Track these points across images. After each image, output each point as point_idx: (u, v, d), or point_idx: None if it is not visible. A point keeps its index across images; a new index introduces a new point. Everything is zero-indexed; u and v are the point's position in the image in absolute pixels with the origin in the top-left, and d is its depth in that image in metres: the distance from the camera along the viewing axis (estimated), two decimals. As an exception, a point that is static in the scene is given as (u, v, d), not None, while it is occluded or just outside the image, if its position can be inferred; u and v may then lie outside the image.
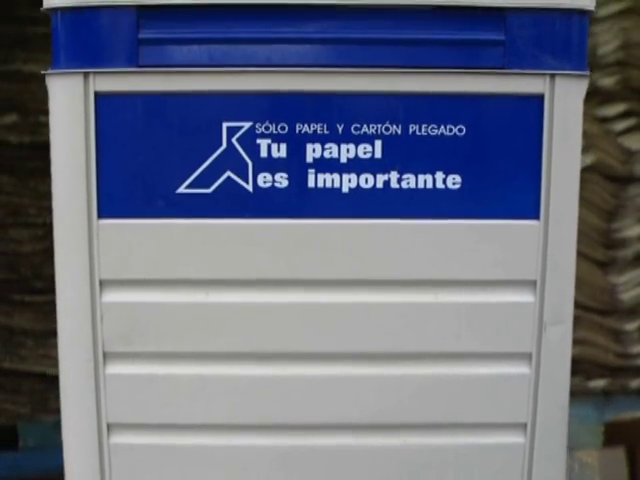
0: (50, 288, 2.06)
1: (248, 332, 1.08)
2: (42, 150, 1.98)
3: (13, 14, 2.04)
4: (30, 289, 2.14)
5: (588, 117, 2.16)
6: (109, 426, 1.09)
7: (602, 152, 2.18)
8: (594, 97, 2.19)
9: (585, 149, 2.11)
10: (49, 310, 2.03)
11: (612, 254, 2.23)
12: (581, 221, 2.13)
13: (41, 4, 1.03)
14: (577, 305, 2.11)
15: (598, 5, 2.16)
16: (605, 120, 2.21)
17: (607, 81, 2.18)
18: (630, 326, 2.23)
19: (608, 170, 2.19)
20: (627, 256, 2.22)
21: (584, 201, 2.13)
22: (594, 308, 2.20)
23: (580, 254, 2.11)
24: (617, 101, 2.20)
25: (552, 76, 1.04)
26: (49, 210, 2.05)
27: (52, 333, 2.05)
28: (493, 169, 1.06)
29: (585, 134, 2.10)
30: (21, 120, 2.08)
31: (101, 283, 1.06)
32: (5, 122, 2.08)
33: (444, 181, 1.06)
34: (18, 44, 2.05)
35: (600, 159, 2.17)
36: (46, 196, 2.03)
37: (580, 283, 2.11)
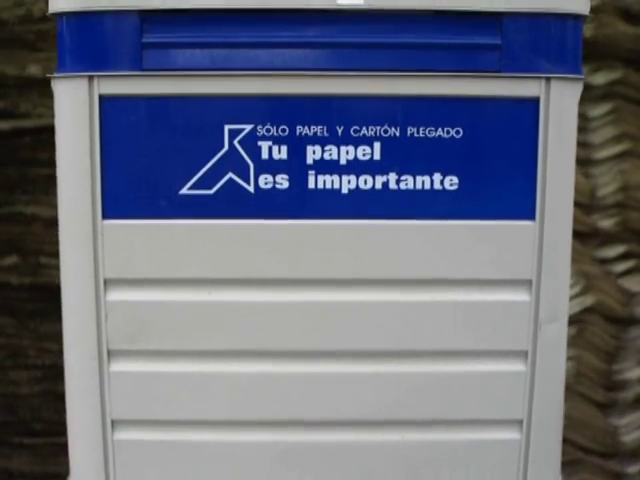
0: (49, 430, 2.08)
1: (250, 330, 1.09)
2: (42, 291, 2.03)
3: (15, 157, 2.06)
4: (29, 431, 2.13)
5: (588, 258, 2.17)
6: (113, 422, 1.11)
7: (602, 293, 2.17)
8: (594, 239, 2.19)
9: (585, 290, 2.13)
10: (48, 453, 2.05)
11: (613, 396, 2.20)
12: (581, 362, 2.11)
13: (43, 151, 1.05)
14: (578, 448, 2.10)
15: (597, 148, 2.18)
16: (605, 261, 2.21)
17: (607, 223, 2.19)
18: (632, 469, 2.19)
19: (608, 311, 2.18)
20: (628, 398, 2.19)
21: (585, 342, 2.13)
22: (595, 451, 2.17)
23: (581, 396, 2.12)
24: (617, 243, 2.20)
25: (547, 79, 1.06)
26: (49, 351, 2.07)
27: (51, 476, 2.07)
28: (490, 170, 1.08)
29: (585, 275, 2.12)
30: (22, 261, 2.08)
31: (105, 282, 1.08)
32: (6, 263, 2.08)
33: (441, 182, 1.08)
34: (19, 186, 2.07)
35: (600, 300, 2.16)
36: (46, 338, 2.07)
37: (581, 425, 2.12)
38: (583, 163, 2.17)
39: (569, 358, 2.10)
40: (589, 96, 2.11)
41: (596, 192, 2.18)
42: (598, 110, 2.16)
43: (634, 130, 2.19)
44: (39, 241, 2.05)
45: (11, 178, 2.07)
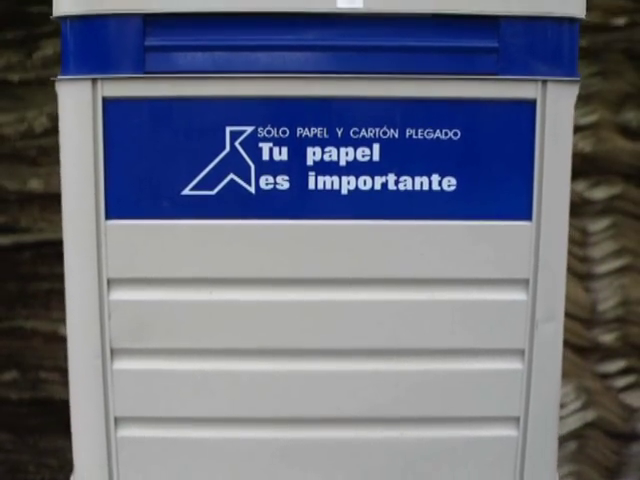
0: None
1: (251, 329, 1.11)
2: (42, 406, 2.00)
3: (15, 271, 2.05)
4: None
5: (589, 373, 2.16)
6: (116, 420, 1.12)
7: (603, 409, 2.16)
8: (594, 353, 2.19)
9: (586, 405, 2.12)
10: None
11: None
12: (582, 478, 2.09)
13: (43, 265, 1.05)
14: None
15: (597, 262, 2.17)
16: (606, 376, 2.21)
17: (607, 337, 2.19)
18: None
19: (609, 427, 2.17)
20: None
21: (585, 457, 2.12)
22: None
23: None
24: (617, 358, 2.21)
25: (544, 82, 1.07)
26: (48, 467, 2.06)
27: None
28: (487, 172, 1.09)
29: (586, 390, 2.11)
30: (21, 377, 2.06)
31: (109, 282, 1.09)
32: (5, 379, 2.07)
33: (440, 183, 1.09)
34: (19, 301, 2.05)
35: (601, 416, 2.15)
36: (45, 453, 2.05)
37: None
38: (583, 277, 2.18)
39: (569, 474, 2.09)
40: (589, 211, 2.12)
41: (596, 307, 2.19)
42: (598, 225, 2.16)
43: (634, 245, 2.19)
44: (39, 356, 2.02)
45: (11, 293, 2.06)
